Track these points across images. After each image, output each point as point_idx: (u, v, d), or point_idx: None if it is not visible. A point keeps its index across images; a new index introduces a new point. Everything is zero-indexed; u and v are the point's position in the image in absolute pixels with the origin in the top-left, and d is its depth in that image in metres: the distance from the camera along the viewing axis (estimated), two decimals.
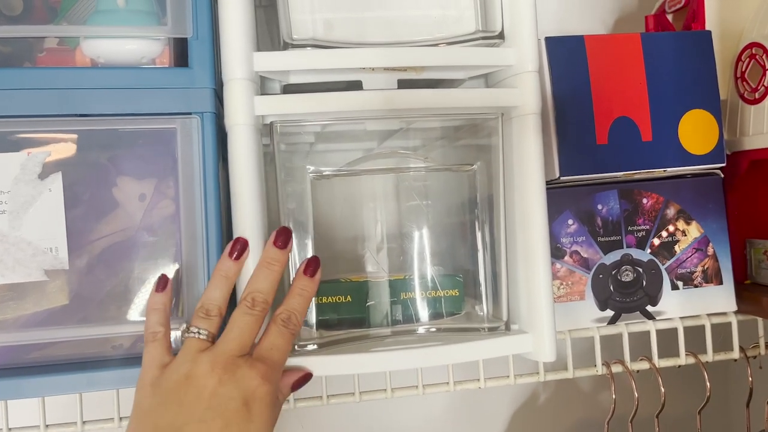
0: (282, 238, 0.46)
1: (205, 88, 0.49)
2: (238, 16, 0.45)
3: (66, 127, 0.49)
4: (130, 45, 0.51)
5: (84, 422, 0.54)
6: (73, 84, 0.48)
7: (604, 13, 0.88)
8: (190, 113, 0.50)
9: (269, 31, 0.56)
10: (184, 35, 0.50)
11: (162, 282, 0.47)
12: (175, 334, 0.47)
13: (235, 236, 0.46)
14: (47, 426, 0.53)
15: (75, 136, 0.50)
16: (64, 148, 0.50)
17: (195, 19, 0.50)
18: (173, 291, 0.48)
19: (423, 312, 0.52)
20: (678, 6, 0.70)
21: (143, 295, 0.51)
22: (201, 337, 0.43)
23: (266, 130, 0.49)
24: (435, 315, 0.52)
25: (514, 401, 0.84)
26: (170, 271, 0.50)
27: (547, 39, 0.57)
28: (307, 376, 0.46)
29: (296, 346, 0.48)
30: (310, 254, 0.51)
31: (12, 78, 0.47)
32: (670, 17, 0.73)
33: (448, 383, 0.59)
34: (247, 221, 0.45)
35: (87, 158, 0.51)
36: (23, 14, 0.56)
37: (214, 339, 0.43)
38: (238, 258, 0.45)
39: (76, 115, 0.49)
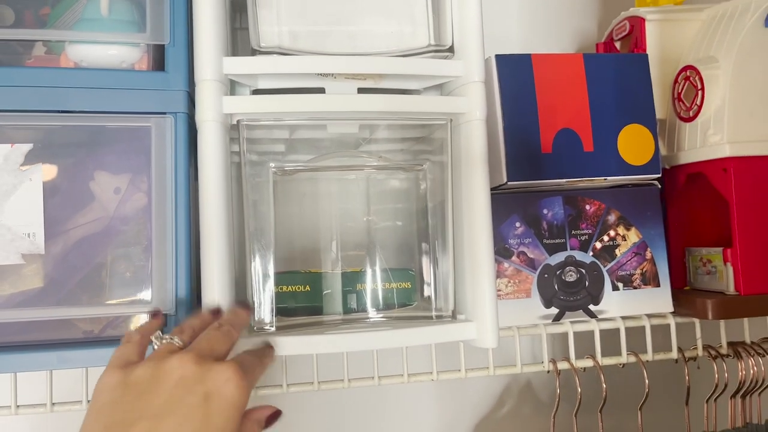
0: (244, 307, 0.48)
1: (179, 91, 0.54)
2: (210, 22, 0.50)
3: (49, 123, 0.53)
4: (112, 50, 0.56)
5: (53, 404, 0.56)
6: (57, 83, 0.52)
7: (564, 42, 0.95)
8: (164, 113, 0.54)
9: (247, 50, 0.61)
10: (161, 42, 0.55)
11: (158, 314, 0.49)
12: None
13: (201, 223, 0.50)
14: (18, 406, 0.56)
15: (57, 131, 0.54)
16: (47, 142, 0.54)
17: (172, 27, 0.54)
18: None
19: (375, 302, 0.56)
20: (623, 34, 0.76)
21: (115, 282, 0.54)
22: (174, 342, 0.42)
23: (235, 130, 0.53)
24: (387, 305, 0.56)
25: (475, 399, 0.87)
26: (141, 261, 0.53)
27: (497, 56, 0.62)
28: (277, 414, 0.44)
29: (255, 328, 0.51)
30: (272, 248, 0.55)
31: (2, 76, 0.51)
32: (617, 44, 0.79)
33: (402, 375, 0.62)
34: (213, 210, 0.49)
35: (67, 152, 0.55)
36: (14, 25, 0.60)
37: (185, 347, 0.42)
38: (216, 315, 0.47)
39: (58, 112, 0.53)
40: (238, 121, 0.52)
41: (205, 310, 0.48)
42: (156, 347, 0.42)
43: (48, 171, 0.53)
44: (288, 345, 0.50)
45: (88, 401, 0.57)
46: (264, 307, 0.51)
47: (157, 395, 0.38)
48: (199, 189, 0.50)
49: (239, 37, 0.66)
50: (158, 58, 0.57)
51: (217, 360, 0.40)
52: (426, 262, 0.57)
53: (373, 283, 0.56)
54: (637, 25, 0.73)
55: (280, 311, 0.54)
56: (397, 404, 0.85)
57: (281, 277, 0.54)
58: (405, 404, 0.85)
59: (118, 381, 0.40)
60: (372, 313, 0.55)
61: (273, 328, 0.51)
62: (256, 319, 0.51)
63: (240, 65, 0.51)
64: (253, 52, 0.53)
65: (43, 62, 0.59)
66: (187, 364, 0.39)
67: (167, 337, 0.42)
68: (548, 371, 0.66)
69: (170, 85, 0.54)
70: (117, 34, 0.55)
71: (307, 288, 0.55)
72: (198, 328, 0.44)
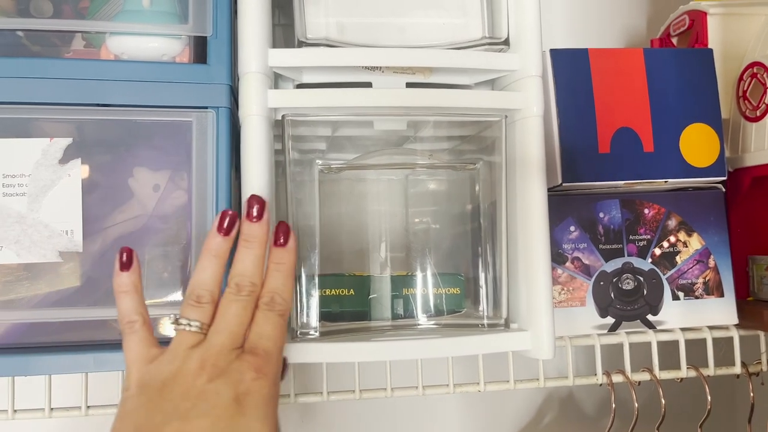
0: (255, 208, 0.42)
1: (221, 84, 0.52)
2: (256, 13, 0.48)
3: (88, 116, 0.52)
4: (153, 43, 0.54)
5: (88, 407, 0.54)
6: (96, 75, 0.51)
7: (611, 40, 0.91)
8: (206, 107, 0.52)
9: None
10: (203, 34, 0.53)
11: (126, 258, 0.42)
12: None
13: (243, 218, 0.47)
14: (52, 409, 0.54)
15: (96, 125, 0.52)
16: (85, 137, 0.52)
17: (215, 18, 0.52)
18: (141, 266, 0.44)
19: (424, 308, 0.53)
20: (682, 29, 0.72)
21: (152, 281, 0.52)
22: (192, 329, 0.40)
23: (278, 126, 0.51)
24: (436, 311, 0.53)
25: (515, 410, 0.84)
26: (177, 257, 0.51)
27: (552, 51, 0.59)
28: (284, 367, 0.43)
29: (298, 333, 0.49)
30: (317, 249, 0.52)
31: (40, 68, 0.50)
32: (674, 40, 0.75)
33: (447, 385, 0.59)
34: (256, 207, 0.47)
35: (106, 147, 0.53)
36: (53, 18, 0.59)
37: (207, 328, 0.40)
38: (227, 233, 0.42)
39: (97, 105, 0.51)
40: (282, 116, 0.49)
41: (214, 244, 0.41)
42: (173, 327, 0.40)
43: (86, 167, 0.51)
44: (330, 352, 0.47)
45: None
46: (309, 312, 0.49)
47: (185, 400, 0.37)
48: (241, 186, 0.48)
49: (276, 33, 0.64)
50: (200, 51, 0.55)
51: (239, 352, 0.39)
52: (476, 267, 0.54)
53: (423, 288, 0.53)
54: (698, 19, 0.69)
55: (324, 316, 0.51)
56: (434, 413, 0.82)
57: (325, 280, 0.52)
58: (443, 413, 0.82)
59: (143, 384, 0.39)
60: (421, 320, 0.52)
61: (317, 334, 0.49)
62: (300, 323, 0.49)
63: (286, 57, 0.48)
64: (299, 44, 0.50)
65: (82, 56, 0.58)
66: (208, 369, 0.37)
67: (184, 321, 0.40)
68: (601, 384, 0.63)
69: (212, 79, 0.52)
70: (159, 26, 0.53)
71: (352, 292, 0.52)
72: (212, 284, 0.41)
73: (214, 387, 0.37)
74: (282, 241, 0.42)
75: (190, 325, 0.39)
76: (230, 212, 0.42)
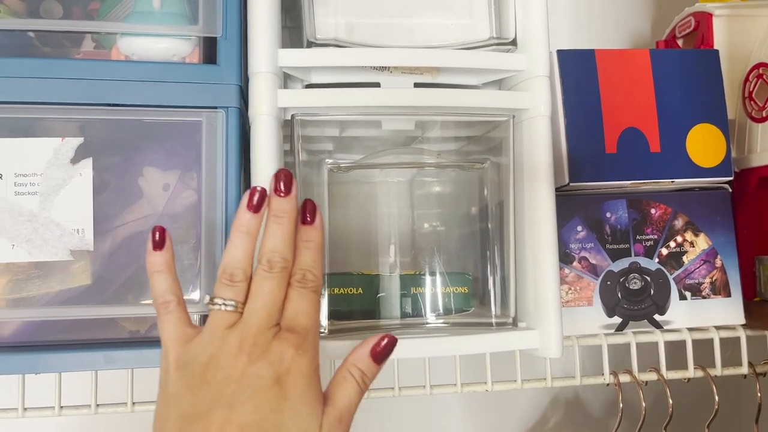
0: (282, 182, 0.41)
1: (231, 85, 0.52)
2: (265, 14, 0.48)
3: (99, 116, 0.52)
4: (163, 43, 0.54)
5: (98, 405, 0.55)
6: (106, 75, 0.51)
7: (616, 43, 0.91)
8: (215, 107, 0.52)
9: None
10: (213, 34, 0.53)
11: (159, 237, 0.42)
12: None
13: None
14: (62, 407, 0.54)
15: (106, 125, 0.53)
16: (97, 136, 0.53)
17: (225, 19, 0.53)
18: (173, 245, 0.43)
19: (432, 307, 0.53)
20: (687, 30, 0.72)
21: None
22: (227, 308, 0.39)
23: (287, 126, 0.51)
24: (444, 310, 0.53)
25: (521, 411, 0.84)
26: (190, 255, 0.52)
27: (559, 51, 0.59)
28: (388, 343, 0.41)
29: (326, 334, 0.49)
30: (326, 248, 0.53)
31: (51, 68, 0.50)
32: (680, 42, 0.75)
33: (455, 384, 0.59)
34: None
35: (116, 147, 0.53)
36: (63, 19, 0.60)
37: (242, 307, 0.39)
38: (257, 210, 0.40)
39: (108, 105, 0.51)
40: (292, 116, 0.50)
41: (244, 221, 0.40)
42: (207, 307, 0.40)
43: (97, 166, 0.52)
44: (338, 350, 0.47)
45: (134, 403, 0.55)
46: None
47: (227, 385, 0.37)
48: (251, 186, 0.48)
49: (283, 36, 0.64)
50: (209, 52, 0.56)
51: (276, 330, 0.38)
52: (485, 267, 0.54)
53: (431, 287, 0.53)
54: (703, 21, 0.69)
55: (332, 314, 0.52)
56: (438, 413, 0.82)
57: (333, 279, 0.52)
58: (448, 414, 0.82)
59: (182, 367, 0.38)
60: (429, 318, 0.52)
61: (326, 332, 0.49)
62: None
63: (296, 57, 0.49)
64: (309, 45, 0.51)
65: (91, 57, 0.59)
66: (248, 349, 0.37)
67: (219, 301, 0.39)
68: (608, 384, 0.63)
69: (222, 79, 0.52)
70: (169, 26, 0.54)
71: (360, 290, 0.52)
72: (245, 262, 0.40)
73: (255, 370, 0.37)
74: (309, 219, 0.41)
75: (225, 304, 0.39)
76: (259, 188, 0.41)
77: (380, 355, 0.41)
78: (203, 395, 0.37)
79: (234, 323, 0.39)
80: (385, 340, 0.41)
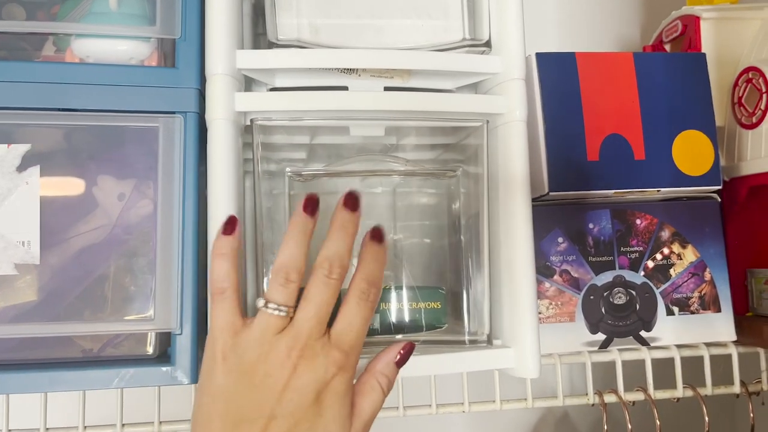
0: (353, 200, 0.41)
1: (190, 89, 0.49)
2: (223, 13, 0.46)
3: (48, 122, 0.49)
4: (120, 46, 0.52)
5: (47, 429, 0.51)
6: (58, 79, 0.48)
7: (604, 49, 0.89)
8: (173, 112, 0.49)
9: None
10: (172, 36, 0.50)
11: (230, 223, 0.42)
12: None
13: (209, 231, 0.45)
14: (47, 429, 0.51)
15: (58, 131, 0.50)
16: (46, 143, 0.50)
17: (184, 21, 0.50)
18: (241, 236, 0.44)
19: (402, 323, 0.50)
20: (675, 35, 0.70)
21: (118, 296, 0.50)
22: (280, 314, 0.39)
23: (249, 134, 0.48)
24: (415, 327, 0.50)
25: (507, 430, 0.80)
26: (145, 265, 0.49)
27: (538, 54, 0.56)
28: (409, 348, 0.43)
29: None
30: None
31: None
32: (667, 47, 0.73)
33: (430, 405, 0.56)
34: (221, 215, 0.44)
35: (68, 154, 0.50)
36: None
37: (293, 311, 0.40)
38: (312, 214, 0.41)
39: (59, 110, 0.49)
40: (251, 121, 0.47)
41: (301, 222, 0.40)
42: (260, 308, 0.39)
43: (47, 174, 0.49)
44: None
45: (85, 427, 0.52)
46: None
47: (271, 394, 0.38)
48: (207, 192, 0.46)
49: (262, 43, 0.61)
50: (169, 55, 0.53)
51: (325, 340, 0.39)
52: (458, 281, 0.51)
53: (399, 303, 0.50)
54: (690, 24, 0.67)
55: None
56: None
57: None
58: None
59: (229, 360, 0.39)
60: (398, 336, 0.49)
61: None
62: None
63: (255, 59, 0.46)
64: (270, 46, 0.48)
65: (50, 60, 0.56)
66: (294, 358, 0.38)
67: (272, 306, 0.39)
68: (593, 404, 0.59)
69: (180, 83, 0.49)
70: (125, 27, 0.51)
71: None
72: (301, 262, 0.40)
73: (300, 384, 0.38)
74: (378, 238, 0.42)
75: (278, 310, 0.39)
76: (315, 196, 0.41)
77: (402, 361, 0.43)
78: (249, 399, 0.38)
79: (284, 328, 0.39)
80: (406, 346, 0.43)
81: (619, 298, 0.57)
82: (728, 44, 0.66)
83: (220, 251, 0.41)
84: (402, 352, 0.43)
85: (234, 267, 0.41)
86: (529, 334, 0.47)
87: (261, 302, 0.40)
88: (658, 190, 0.57)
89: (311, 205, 0.41)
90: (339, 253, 0.40)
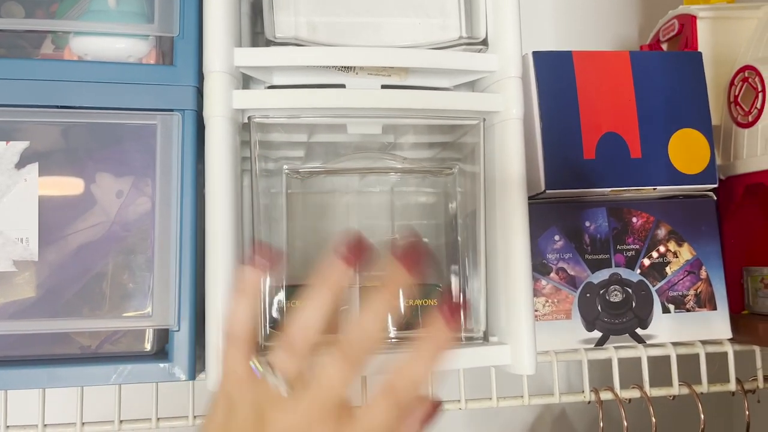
0: (353, 252, 0.34)
1: (187, 86, 0.49)
2: (221, 11, 0.46)
3: (47, 119, 0.49)
4: (118, 44, 0.52)
5: (45, 425, 0.52)
6: (56, 76, 0.48)
7: (602, 47, 0.89)
8: (171, 110, 0.50)
9: None
10: (170, 34, 0.50)
11: (265, 253, 0.36)
12: None
13: (207, 228, 0.45)
14: (45, 425, 0.51)
15: (56, 128, 0.50)
16: (44, 140, 0.50)
17: (182, 19, 0.50)
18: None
19: (398, 320, 0.50)
20: (671, 34, 0.70)
21: (116, 293, 0.50)
22: (280, 392, 0.33)
23: (247, 131, 0.48)
24: (411, 324, 0.50)
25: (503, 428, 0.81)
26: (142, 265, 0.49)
27: (535, 53, 0.57)
28: (434, 409, 0.36)
29: (263, 346, 0.46)
30: (284, 259, 0.50)
31: None
32: (664, 46, 0.73)
33: None
34: (219, 213, 0.44)
35: (67, 151, 0.51)
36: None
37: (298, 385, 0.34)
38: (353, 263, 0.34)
39: (58, 107, 0.49)
40: (249, 118, 0.47)
41: (318, 299, 0.34)
42: (258, 371, 0.34)
43: (45, 172, 0.49)
44: None
45: (83, 423, 0.52)
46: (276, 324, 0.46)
47: None
48: (205, 189, 0.46)
49: (260, 41, 0.62)
50: (167, 53, 0.53)
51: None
52: (454, 278, 0.51)
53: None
54: (687, 23, 0.67)
55: None
56: None
57: (292, 291, 0.49)
58: None
59: (230, 409, 0.34)
60: (395, 333, 0.49)
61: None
62: (264, 335, 0.46)
63: (253, 56, 0.46)
64: (268, 43, 0.48)
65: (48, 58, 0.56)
66: None
67: (276, 379, 0.33)
68: (589, 402, 0.60)
69: (178, 80, 0.50)
70: (123, 25, 0.51)
71: None
72: (316, 331, 0.34)
73: None
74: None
75: (278, 387, 0.33)
76: (365, 241, 0.35)
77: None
78: None
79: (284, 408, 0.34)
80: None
81: (615, 296, 0.57)
82: (725, 43, 0.66)
83: (243, 289, 0.36)
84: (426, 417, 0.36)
85: (254, 310, 0.36)
86: (526, 331, 0.47)
87: (266, 365, 0.34)
88: (654, 189, 0.57)
89: (357, 252, 0.33)
90: (305, 324, 0.34)
